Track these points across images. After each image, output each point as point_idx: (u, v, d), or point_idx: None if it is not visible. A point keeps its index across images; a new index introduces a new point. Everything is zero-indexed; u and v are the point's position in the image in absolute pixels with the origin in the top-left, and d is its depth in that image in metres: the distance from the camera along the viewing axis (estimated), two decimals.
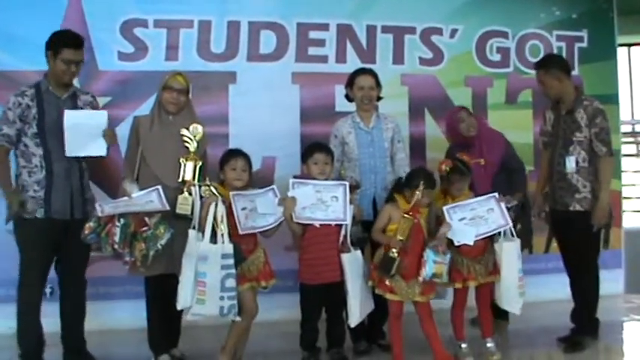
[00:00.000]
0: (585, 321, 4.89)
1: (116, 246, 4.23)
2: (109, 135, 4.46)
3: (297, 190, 4.45)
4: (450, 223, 4.46)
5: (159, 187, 4.22)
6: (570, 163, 4.82)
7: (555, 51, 6.41)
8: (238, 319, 4.25)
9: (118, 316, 5.41)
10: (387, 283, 4.43)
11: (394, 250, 4.34)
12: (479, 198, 4.61)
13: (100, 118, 4.46)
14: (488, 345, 4.67)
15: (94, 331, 4.92)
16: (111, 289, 5.48)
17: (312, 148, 4.65)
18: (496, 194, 4.61)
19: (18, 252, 4.41)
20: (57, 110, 4.40)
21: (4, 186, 4.43)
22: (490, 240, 4.63)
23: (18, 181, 4.43)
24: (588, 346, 4.81)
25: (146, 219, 4.24)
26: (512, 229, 4.61)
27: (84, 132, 4.37)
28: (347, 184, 4.52)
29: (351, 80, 5.03)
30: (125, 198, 4.22)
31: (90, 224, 4.25)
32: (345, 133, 4.97)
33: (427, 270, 4.32)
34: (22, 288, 4.41)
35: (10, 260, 4.47)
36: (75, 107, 4.49)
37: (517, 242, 4.62)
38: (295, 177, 4.61)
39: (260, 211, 4.41)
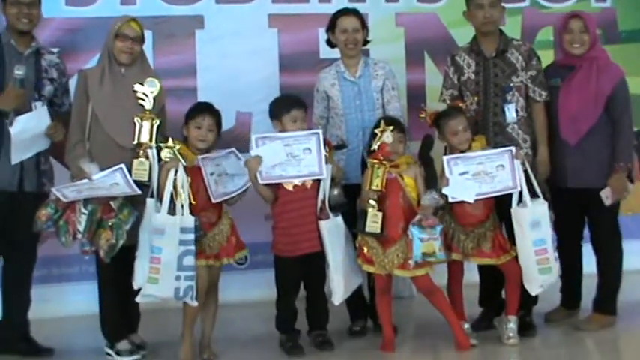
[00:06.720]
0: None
1: (79, 235, 4.34)
2: (54, 132, 4.56)
3: (262, 148, 4.50)
4: (449, 177, 4.49)
5: (122, 165, 4.27)
6: (510, 113, 4.80)
7: None
8: (195, 303, 4.33)
9: (73, 299, 5.52)
10: (366, 251, 4.53)
11: (370, 201, 4.45)
12: (491, 151, 4.59)
13: (42, 115, 4.55)
14: (510, 325, 4.66)
15: (48, 318, 5.11)
16: (66, 270, 5.59)
17: (289, 103, 4.68)
18: (513, 149, 4.56)
19: None
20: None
21: None
22: (494, 212, 4.65)
23: None
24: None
25: (111, 203, 4.34)
26: (529, 193, 4.54)
27: (29, 134, 4.49)
28: (319, 132, 4.59)
29: (332, 23, 5.05)
30: (85, 181, 4.27)
31: (46, 211, 4.35)
32: (329, 85, 5.03)
33: (415, 250, 4.39)
34: None
35: None
36: (38, 66, 4.63)
37: (534, 209, 4.53)
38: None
39: (229, 172, 4.54)
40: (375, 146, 4.50)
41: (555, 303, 5.16)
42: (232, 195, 4.57)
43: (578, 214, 4.98)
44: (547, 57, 5.37)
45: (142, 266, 4.31)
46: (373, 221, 4.47)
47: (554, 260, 4.58)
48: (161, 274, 4.22)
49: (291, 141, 4.52)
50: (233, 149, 4.67)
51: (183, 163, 4.34)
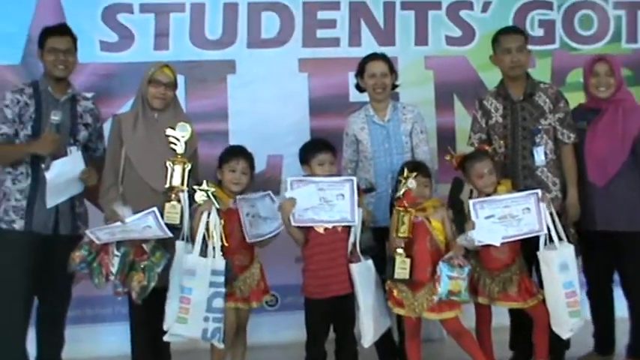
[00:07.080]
0: None
1: (112, 277, 4.42)
2: (88, 177, 4.66)
3: (296, 191, 4.59)
4: (475, 220, 4.53)
5: (154, 208, 4.36)
6: (539, 156, 4.86)
7: (613, 21, 6.49)
8: (221, 346, 4.41)
9: (106, 340, 5.59)
10: (396, 294, 4.57)
11: (397, 249, 4.50)
12: (517, 194, 4.62)
13: (77, 159, 4.66)
14: None
15: (81, 359, 5.21)
16: (99, 310, 5.67)
17: (316, 147, 4.78)
18: (539, 191, 4.59)
19: None
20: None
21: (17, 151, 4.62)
22: (520, 256, 4.68)
23: None
24: None
25: (144, 246, 4.44)
26: (557, 235, 4.54)
27: (63, 178, 4.60)
28: (354, 179, 4.67)
29: (360, 68, 5.16)
30: (118, 223, 4.36)
31: (80, 253, 4.44)
32: (358, 129, 5.13)
33: (442, 287, 4.40)
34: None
35: None
36: (74, 112, 4.75)
37: (561, 251, 4.54)
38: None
39: (263, 215, 4.65)
40: (399, 193, 4.53)
41: (589, 347, 5.14)
42: (265, 237, 4.68)
43: (607, 258, 4.98)
44: (577, 99, 5.35)
45: (171, 307, 4.38)
46: (401, 267, 4.51)
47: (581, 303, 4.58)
48: (190, 315, 4.30)
49: (325, 186, 4.60)
50: (269, 192, 4.79)
51: (217, 206, 4.43)
